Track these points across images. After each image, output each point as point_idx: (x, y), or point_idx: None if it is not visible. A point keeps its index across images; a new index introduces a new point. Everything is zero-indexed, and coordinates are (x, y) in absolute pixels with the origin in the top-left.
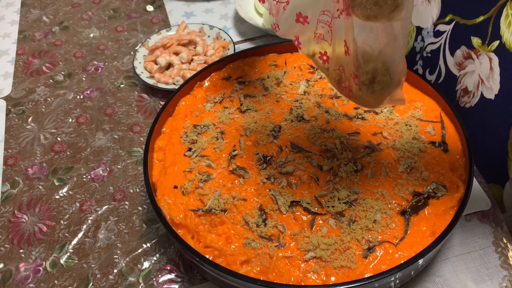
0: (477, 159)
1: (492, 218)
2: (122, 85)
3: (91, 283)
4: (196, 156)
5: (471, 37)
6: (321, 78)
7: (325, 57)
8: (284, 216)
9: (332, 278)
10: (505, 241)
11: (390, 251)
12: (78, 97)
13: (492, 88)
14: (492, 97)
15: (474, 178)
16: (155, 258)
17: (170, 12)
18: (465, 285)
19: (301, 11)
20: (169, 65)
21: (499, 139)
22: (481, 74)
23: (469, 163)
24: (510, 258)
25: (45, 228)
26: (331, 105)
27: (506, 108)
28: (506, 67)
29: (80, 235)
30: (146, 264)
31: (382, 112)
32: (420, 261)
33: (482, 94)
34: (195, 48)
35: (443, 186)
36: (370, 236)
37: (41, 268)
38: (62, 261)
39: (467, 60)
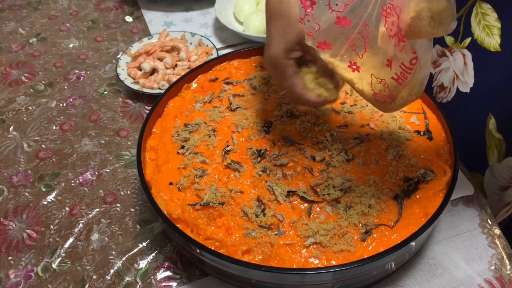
0: (458, 150)
1: (476, 202)
2: (105, 92)
3: (87, 285)
4: (189, 153)
5: (444, 35)
6: None
7: (354, 66)
8: (281, 205)
9: (333, 262)
10: (490, 222)
11: (387, 233)
12: (61, 105)
13: (467, 82)
14: (468, 90)
15: None
16: (151, 257)
17: (149, 22)
18: (457, 265)
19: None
20: (154, 71)
21: (476, 130)
22: (455, 70)
23: (454, 147)
24: (496, 238)
25: (34, 234)
26: None
27: (482, 100)
28: (479, 61)
29: (71, 239)
30: (142, 263)
31: (367, 106)
32: (414, 243)
33: (457, 89)
34: (178, 54)
35: (431, 171)
36: (366, 221)
37: (32, 274)
38: (54, 266)
39: (442, 57)
